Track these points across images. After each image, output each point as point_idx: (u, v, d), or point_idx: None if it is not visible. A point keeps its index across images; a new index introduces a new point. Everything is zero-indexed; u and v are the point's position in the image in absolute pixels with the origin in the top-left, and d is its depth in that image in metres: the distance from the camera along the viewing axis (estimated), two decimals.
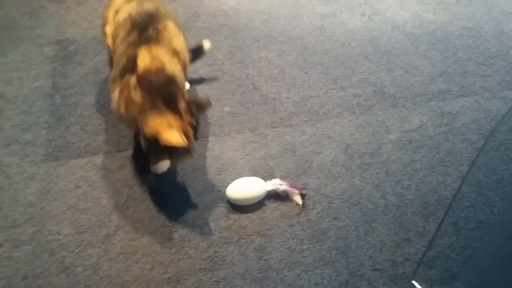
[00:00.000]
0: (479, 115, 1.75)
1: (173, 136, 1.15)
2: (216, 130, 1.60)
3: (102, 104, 1.66)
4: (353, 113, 1.72)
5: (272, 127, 1.63)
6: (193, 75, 1.82)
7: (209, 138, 1.57)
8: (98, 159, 1.47)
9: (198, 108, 1.30)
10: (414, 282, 1.19)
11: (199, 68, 1.85)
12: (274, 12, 2.29)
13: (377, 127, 1.67)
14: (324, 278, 1.20)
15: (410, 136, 1.65)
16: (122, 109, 1.27)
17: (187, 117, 1.23)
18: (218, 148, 1.54)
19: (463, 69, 1.98)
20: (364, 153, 1.57)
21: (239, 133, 1.60)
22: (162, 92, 1.20)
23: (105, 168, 1.45)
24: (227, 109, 1.69)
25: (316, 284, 1.18)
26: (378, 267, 1.23)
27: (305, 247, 1.26)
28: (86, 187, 1.38)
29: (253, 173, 1.45)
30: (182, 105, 1.22)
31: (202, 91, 1.76)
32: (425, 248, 1.28)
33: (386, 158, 1.56)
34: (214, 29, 2.11)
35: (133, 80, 1.22)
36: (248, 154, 1.52)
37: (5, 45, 1.93)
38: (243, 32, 2.12)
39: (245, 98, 1.74)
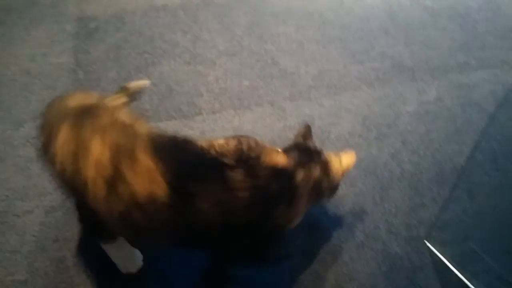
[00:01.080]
0: (497, 87, 1.75)
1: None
2: (235, 103, 1.64)
3: (124, 78, 1.71)
4: (371, 86, 1.74)
5: (291, 101, 1.66)
6: (211, 50, 1.85)
7: (229, 111, 1.61)
8: None
9: None
10: (426, 241, 1.22)
11: (218, 44, 1.88)
12: None
13: (394, 99, 1.69)
14: (340, 240, 1.24)
15: (427, 108, 1.66)
16: None
17: None
18: (238, 121, 1.58)
19: (482, 43, 1.97)
20: (382, 124, 1.59)
21: (258, 106, 1.64)
22: None
23: None
24: (246, 83, 1.73)
25: (334, 245, 1.23)
26: (393, 230, 1.27)
27: (322, 211, 1.30)
28: None
29: (272, 144, 1.47)
30: None
31: (222, 65, 1.79)
32: (438, 213, 1.31)
33: (403, 128, 1.57)
34: (232, 5, 2.13)
35: None
36: (267, 126, 1.56)
37: (27, 23, 1.97)
38: (262, 7, 2.13)
39: (264, 72, 1.77)
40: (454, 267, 1.14)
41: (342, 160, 1.15)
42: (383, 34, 1.99)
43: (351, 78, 1.77)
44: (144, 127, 0.96)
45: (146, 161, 0.85)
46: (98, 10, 2.02)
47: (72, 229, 1.25)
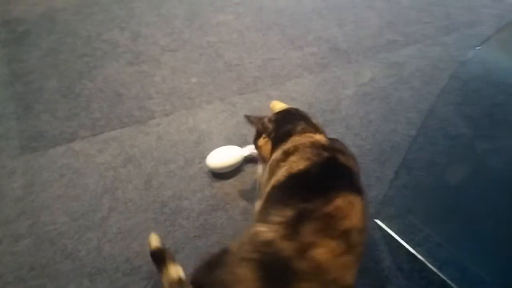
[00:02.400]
0: (422, 62, 1.93)
1: None
2: (187, 103, 1.68)
3: (67, 87, 1.67)
4: (312, 72, 1.84)
5: (240, 94, 1.73)
6: (153, 47, 1.84)
7: (181, 112, 1.65)
8: (77, 145, 1.52)
9: None
10: (376, 220, 1.39)
11: (159, 40, 1.87)
12: None
13: (334, 84, 1.81)
14: None
15: (364, 90, 1.80)
16: None
17: None
18: (192, 121, 1.62)
19: (407, 18, 2.13)
20: (325, 110, 1.71)
21: (209, 103, 1.69)
22: None
23: (85, 154, 1.50)
24: (194, 80, 1.76)
25: None
26: None
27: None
28: (71, 175, 1.44)
29: (228, 141, 1.57)
30: None
31: (167, 63, 1.79)
32: (384, 191, 1.48)
33: (345, 113, 1.71)
34: None
35: None
36: (221, 124, 1.62)
37: None
38: None
39: (209, 67, 1.81)
40: (401, 238, 1.32)
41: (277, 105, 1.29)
42: (317, 16, 2.09)
43: (292, 65, 1.86)
44: None
45: None
46: (25, 10, 1.91)
47: (47, 254, 1.26)
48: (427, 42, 2.02)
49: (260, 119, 1.26)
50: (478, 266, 1.24)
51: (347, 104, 1.74)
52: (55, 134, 1.54)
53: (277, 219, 0.90)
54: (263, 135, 1.23)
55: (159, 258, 1.12)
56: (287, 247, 0.85)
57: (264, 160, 1.23)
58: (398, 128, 1.67)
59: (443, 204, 1.43)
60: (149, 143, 1.55)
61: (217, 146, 1.52)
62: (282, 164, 1.06)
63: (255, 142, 1.26)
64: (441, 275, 1.24)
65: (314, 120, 1.20)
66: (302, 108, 1.66)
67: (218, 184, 1.45)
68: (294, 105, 1.68)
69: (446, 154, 1.65)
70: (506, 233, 1.29)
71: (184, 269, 1.23)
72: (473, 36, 2.02)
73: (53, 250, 1.27)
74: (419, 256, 1.27)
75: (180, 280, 1.06)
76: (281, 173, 1.03)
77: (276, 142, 1.17)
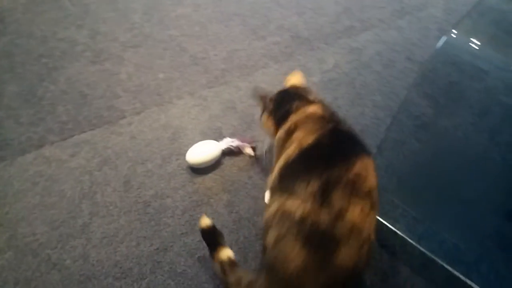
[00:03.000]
0: (380, 46, 2.01)
1: None
2: (156, 100, 1.65)
3: (28, 90, 1.58)
4: (277, 62, 1.86)
5: (209, 88, 1.72)
6: (114, 44, 1.78)
7: (152, 109, 1.62)
8: (46, 151, 1.45)
9: None
10: None
11: (119, 36, 1.81)
12: None
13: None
14: None
15: (329, 76, 1.85)
16: None
17: None
18: (164, 118, 1.60)
19: (362, 4, 2.20)
20: None
21: (180, 98, 1.67)
22: None
23: (57, 159, 1.44)
24: (161, 75, 1.72)
25: None
26: None
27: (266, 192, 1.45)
28: (45, 182, 1.38)
29: (204, 135, 1.56)
30: None
31: (130, 60, 1.74)
32: None
33: None
34: None
35: None
36: (194, 119, 1.61)
37: None
38: None
39: (175, 61, 1.78)
40: (380, 217, 1.40)
41: (291, 80, 1.37)
42: (276, 5, 2.11)
43: (258, 56, 1.87)
44: None
45: None
46: None
47: (31, 267, 1.21)
48: (383, 27, 2.10)
49: (264, 97, 1.35)
50: (452, 235, 1.33)
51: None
52: (21, 141, 1.46)
53: (304, 192, 0.95)
54: (265, 113, 1.31)
55: (211, 238, 1.17)
56: (323, 218, 0.91)
57: (270, 135, 1.30)
58: (365, 111, 1.73)
59: (414, 180, 1.52)
60: (123, 143, 1.51)
61: (193, 142, 1.51)
62: (289, 142, 1.12)
63: (260, 117, 1.35)
64: (420, 247, 1.32)
65: (311, 95, 1.27)
66: None
67: (199, 179, 1.45)
68: None
69: (412, 133, 1.75)
70: (472, 200, 1.40)
71: (176, 267, 1.24)
72: (425, 18, 2.13)
73: (37, 262, 1.22)
74: (399, 232, 1.35)
75: (230, 260, 1.12)
76: (291, 151, 1.08)
77: (278, 121, 1.23)
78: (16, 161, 1.42)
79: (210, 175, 1.47)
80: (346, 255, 0.90)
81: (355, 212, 0.92)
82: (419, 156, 1.58)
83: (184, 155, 1.47)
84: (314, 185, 0.94)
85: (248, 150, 1.52)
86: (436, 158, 1.58)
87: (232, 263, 1.12)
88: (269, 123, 1.27)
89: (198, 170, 1.47)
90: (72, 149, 1.47)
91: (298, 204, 0.94)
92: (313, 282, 0.90)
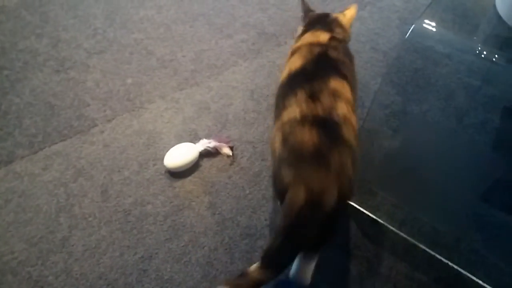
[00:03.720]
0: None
1: None
2: (128, 106, 1.61)
3: None
4: (247, 59, 1.86)
5: (180, 90, 1.70)
6: (77, 51, 1.73)
7: (124, 115, 1.58)
8: (17, 166, 1.40)
9: None
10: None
11: (82, 43, 1.76)
12: None
13: (270, 68, 1.85)
14: (270, 213, 1.41)
15: None
16: None
17: None
18: (137, 123, 1.57)
19: None
20: (268, 95, 1.75)
21: (151, 103, 1.64)
22: None
23: (29, 174, 1.39)
24: (129, 80, 1.69)
25: (265, 219, 1.40)
26: None
27: (247, 192, 1.45)
28: (18, 199, 1.33)
29: (179, 138, 1.54)
30: None
31: (96, 66, 1.70)
32: None
33: None
34: None
35: None
36: (168, 122, 1.59)
37: None
38: None
39: (142, 65, 1.75)
40: (359, 206, 1.43)
41: (346, 14, 1.46)
42: (239, 2, 2.10)
43: (226, 54, 1.86)
44: None
45: None
46: None
47: (11, 287, 1.17)
48: None
49: (308, 10, 1.53)
50: (431, 219, 1.38)
51: None
52: None
53: (295, 101, 1.12)
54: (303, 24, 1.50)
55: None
56: (320, 110, 1.07)
57: None
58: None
59: (390, 168, 1.56)
60: (97, 153, 1.47)
61: (169, 145, 1.49)
62: (288, 62, 1.30)
63: (298, 28, 1.51)
64: (401, 233, 1.36)
65: (333, 25, 1.39)
66: (245, 95, 1.71)
67: (179, 183, 1.44)
68: (236, 94, 1.72)
69: (384, 122, 1.80)
70: (447, 183, 1.45)
71: (163, 274, 1.23)
72: (385, 8, 2.17)
73: (18, 281, 1.18)
74: (380, 220, 1.38)
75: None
76: (283, 75, 1.26)
77: (298, 37, 1.43)
78: None
79: (189, 178, 1.46)
80: (348, 134, 1.06)
81: (343, 108, 1.09)
82: (393, 144, 1.63)
83: (161, 159, 1.45)
84: (301, 94, 1.11)
85: (226, 150, 1.52)
86: (409, 145, 1.63)
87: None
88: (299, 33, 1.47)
89: (177, 174, 1.46)
90: (44, 162, 1.42)
91: (294, 109, 1.10)
92: (330, 157, 1.00)
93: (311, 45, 1.29)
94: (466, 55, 1.71)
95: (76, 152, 1.46)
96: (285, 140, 1.07)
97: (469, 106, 1.77)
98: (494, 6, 1.77)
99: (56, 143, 1.47)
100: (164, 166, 1.44)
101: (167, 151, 1.46)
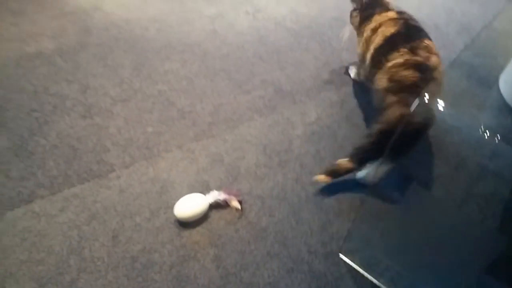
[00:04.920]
0: (360, 100, 2.12)
1: None
2: (146, 153, 1.69)
3: (19, 145, 1.61)
4: (262, 115, 1.95)
5: (197, 141, 1.78)
6: (104, 98, 1.84)
7: (141, 162, 1.66)
8: (36, 206, 1.47)
9: None
10: (341, 255, 1.50)
11: (109, 90, 1.88)
12: (165, 19, 2.35)
13: (284, 125, 1.93)
14: (273, 270, 1.44)
15: (312, 129, 1.94)
16: None
17: None
18: (153, 171, 1.64)
19: (339, 59, 2.33)
20: (280, 151, 1.81)
21: (168, 152, 1.72)
22: None
23: (46, 214, 1.45)
24: (149, 129, 1.78)
25: (268, 277, 1.42)
26: (312, 249, 1.51)
27: (252, 247, 1.48)
28: (34, 238, 1.39)
29: (191, 189, 1.60)
30: None
31: (120, 114, 1.80)
32: (342, 225, 1.59)
33: (298, 152, 1.83)
34: (111, 45, 2.11)
35: None
36: (182, 172, 1.66)
37: None
38: (141, 44, 2.16)
39: (163, 115, 1.84)
40: (364, 271, 1.44)
41: None
42: (260, 60, 2.21)
43: (243, 109, 1.95)
44: None
45: None
46: None
47: None
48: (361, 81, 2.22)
49: None
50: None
51: (298, 143, 1.85)
52: (11, 196, 1.47)
53: (398, 53, 1.62)
54: (357, 10, 1.95)
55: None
56: (419, 58, 1.59)
57: (355, 29, 2.00)
58: None
59: (397, 234, 1.58)
60: (112, 197, 1.54)
61: (181, 195, 1.55)
62: (374, 36, 1.78)
63: (351, 13, 2.00)
64: None
65: (390, 5, 1.90)
66: (257, 150, 1.77)
67: (187, 233, 1.48)
68: (249, 148, 1.78)
69: (394, 183, 1.82)
70: (453, 253, 1.46)
71: None
72: None
73: None
74: (383, 286, 1.39)
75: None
76: (377, 40, 1.75)
77: (363, 20, 1.90)
78: (5, 217, 1.43)
79: (197, 228, 1.50)
80: (438, 76, 1.59)
81: (435, 59, 1.61)
82: (401, 209, 1.65)
83: (172, 208, 1.50)
84: (404, 49, 1.62)
85: (235, 203, 1.57)
86: (417, 211, 1.65)
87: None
88: (356, 20, 1.96)
89: (186, 224, 1.50)
90: (61, 204, 1.49)
91: (399, 59, 1.60)
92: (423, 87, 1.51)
93: (390, 19, 1.78)
94: (472, 131, 1.76)
95: (93, 195, 1.53)
96: (391, 77, 1.60)
97: (479, 176, 1.79)
98: (498, 85, 1.83)
99: (75, 185, 1.55)
100: (174, 215, 1.49)
101: (178, 200, 1.52)
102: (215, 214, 1.55)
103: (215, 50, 2.22)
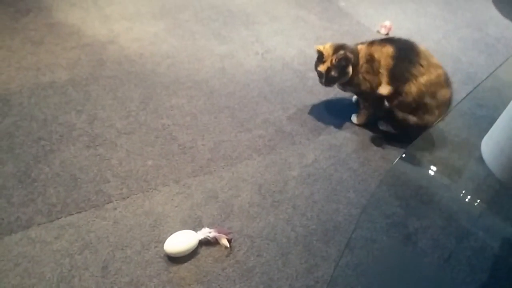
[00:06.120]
0: (357, 145, 2.16)
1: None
2: (143, 186, 1.75)
3: (23, 171, 1.69)
4: (261, 154, 2.00)
5: (194, 176, 1.83)
6: (109, 130, 1.93)
7: (138, 195, 1.72)
8: (33, 232, 1.53)
9: None
10: None
11: (116, 122, 1.96)
12: (177, 55, 2.46)
13: (281, 165, 1.97)
14: None
15: (308, 171, 1.98)
16: None
17: None
18: (148, 204, 1.69)
19: (342, 103, 2.39)
20: (274, 191, 1.85)
21: (165, 186, 1.77)
22: None
23: (41, 241, 1.51)
24: (149, 162, 1.85)
25: None
26: None
27: (237, 286, 1.50)
28: (27, 264, 1.44)
29: (184, 224, 1.65)
30: None
31: (123, 146, 1.88)
32: (329, 270, 1.61)
33: (292, 193, 1.86)
34: (122, 78, 2.22)
35: None
36: (176, 206, 1.71)
37: None
38: (151, 79, 2.26)
39: (164, 149, 1.91)
40: None
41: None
42: (264, 100, 2.29)
43: (242, 147, 2.01)
44: None
45: None
46: None
47: None
48: (360, 127, 2.27)
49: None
50: None
51: (293, 185, 1.89)
52: (10, 221, 1.54)
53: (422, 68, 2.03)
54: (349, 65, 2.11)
55: None
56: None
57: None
58: (340, 208, 1.84)
59: (383, 281, 1.59)
60: (106, 228, 1.59)
61: (173, 229, 1.60)
62: (374, 63, 2.07)
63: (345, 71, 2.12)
64: None
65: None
66: (253, 189, 1.82)
67: (175, 268, 1.52)
68: (244, 187, 1.83)
69: (383, 231, 1.84)
70: None
71: None
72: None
73: None
74: None
75: None
76: (385, 63, 2.05)
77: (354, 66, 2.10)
78: (2, 241, 1.49)
79: (185, 264, 1.54)
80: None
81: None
82: (390, 256, 1.66)
83: (163, 242, 1.55)
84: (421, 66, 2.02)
85: (224, 241, 1.60)
86: (406, 260, 1.66)
87: None
88: (350, 70, 2.10)
89: (175, 259, 1.54)
90: (57, 231, 1.55)
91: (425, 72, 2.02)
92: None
93: (374, 47, 2.10)
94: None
95: (88, 225, 1.58)
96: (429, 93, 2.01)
97: (470, 229, 1.79)
98: (480, 149, 1.85)
99: (72, 214, 1.61)
100: (164, 250, 1.53)
101: (170, 234, 1.56)
102: (204, 251, 1.59)
103: (222, 88, 2.30)
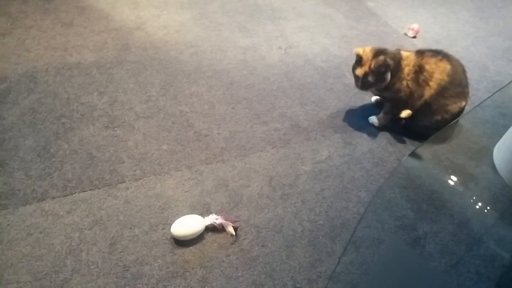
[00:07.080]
0: (373, 145, 2.14)
1: None
2: (156, 169, 1.79)
3: (43, 146, 1.75)
4: (274, 147, 2.01)
5: (207, 164, 1.86)
6: (129, 113, 1.97)
7: (150, 177, 1.75)
8: (46, 205, 1.59)
9: None
10: None
11: (135, 106, 2.00)
12: (201, 45, 2.49)
13: (294, 159, 1.98)
14: None
15: (321, 167, 1.97)
16: None
17: None
18: (160, 187, 1.73)
19: (362, 102, 2.37)
20: (285, 184, 1.86)
21: (177, 170, 1.81)
22: None
23: (54, 214, 1.57)
24: (164, 147, 1.88)
25: None
26: (298, 285, 1.53)
27: (239, 274, 1.52)
28: (38, 234, 1.50)
29: (192, 209, 1.68)
30: None
31: (140, 129, 1.92)
32: (333, 266, 1.61)
33: (302, 188, 1.87)
34: (145, 63, 2.26)
35: None
36: (187, 191, 1.74)
37: None
38: (174, 66, 2.29)
39: (180, 135, 1.94)
40: None
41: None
42: (282, 94, 2.29)
43: (257, 139, 2.02)
44: None
45: None
46: (7, 68, 2.01)
47: None
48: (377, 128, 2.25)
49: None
50: None
51: (304, 179, 1.90)
52: (26, 193, 1.60)
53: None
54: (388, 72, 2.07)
55: None
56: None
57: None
58: (349, 206, 1.83)
59: (386, 282, 1.58)
60: (117, 207, 1.63)
61: (181, 213, 1.62)
62: (425, 73, 2.03)
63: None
64: None
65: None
66: (263, 180, 1.83)
67: (180, 251, 1.55)
68: (255, 177, 1.84)
69: (392, 233, 1.82)
70: None
71: None
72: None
73: None
74: None
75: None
76: (439, 77, 2.01)
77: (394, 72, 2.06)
78: (17, 211, 1.55)
79: (190, 248, 1.56)
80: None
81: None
82: (395, 257, 1.64)
83: (170, 225, 1.58)
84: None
85: (230, 229, 1.62)
86: (411, 263, 1.64)
87: None
88: (388, 76, 2.06)
89: (181, 242, 1.57)
90: (70, 206, 1.60)
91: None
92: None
93: (430, 62, 2.07)
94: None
95: (100, 202, 1.63)
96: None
97: (482, 237, 1.76)
98: (492, 155, 1.81)
99: (86, 191, 1.66)
100: (171, 232, 1.56)
101: (178, 218, 1.59)
102: (210, 237, 1.61)
103: (242, 79, 2.32)
